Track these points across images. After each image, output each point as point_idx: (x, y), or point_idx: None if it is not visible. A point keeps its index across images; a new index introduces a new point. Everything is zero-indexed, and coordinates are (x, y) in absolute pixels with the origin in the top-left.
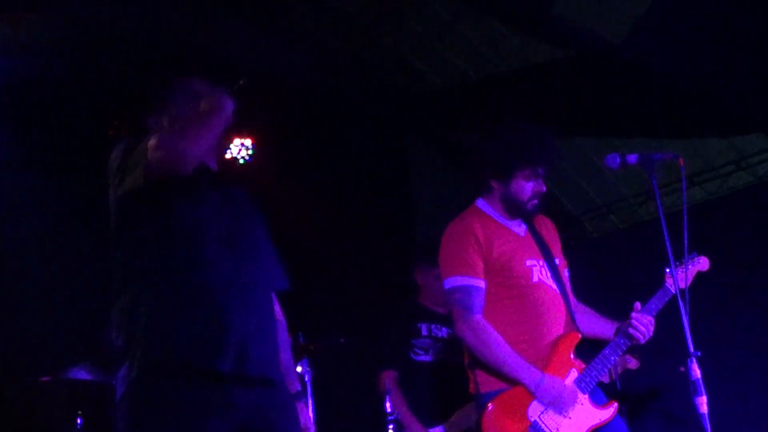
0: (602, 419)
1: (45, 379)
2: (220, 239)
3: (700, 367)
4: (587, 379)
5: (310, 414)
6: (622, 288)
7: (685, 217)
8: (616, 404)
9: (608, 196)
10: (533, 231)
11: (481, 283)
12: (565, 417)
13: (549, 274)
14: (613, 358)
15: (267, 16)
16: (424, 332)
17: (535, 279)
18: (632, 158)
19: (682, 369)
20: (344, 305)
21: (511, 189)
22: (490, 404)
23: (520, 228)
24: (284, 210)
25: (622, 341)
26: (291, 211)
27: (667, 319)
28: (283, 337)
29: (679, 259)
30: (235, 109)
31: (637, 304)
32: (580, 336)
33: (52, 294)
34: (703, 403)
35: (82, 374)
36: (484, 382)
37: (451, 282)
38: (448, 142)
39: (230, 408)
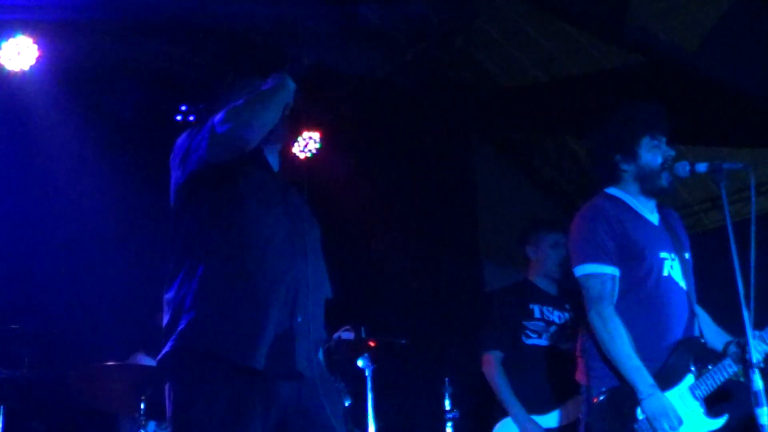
0: (711, 429)
1: (109, 363)
2: (278, 235)
3: (762, 378)
4: (703, 387)
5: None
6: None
7: (753, 227)
8: (728, 415)
9: (671, 202)
10: (666, 221)
11: (616, 272)
12: None
13: (679, 269)
14: (732, 371)
15: (338, 11)
16: (537, 314)
17: (666, 273)
18: (701, 167)
19: (743, 379)
20: (406, 301)
21: (642, 163)
22: (601, 396)
23: (653, 216)
24: (349, 204)
25: (734, 360)
26: (355, 206)
27: (731, 328)
28: None
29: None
30: (299, 95)
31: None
32: (702, 342)
33: (116, 282)
34: (763, 415)
35: (143, 359)
36: (599, 377)
37: (584, 269)
38: (513, 141)
39: (267, 398)
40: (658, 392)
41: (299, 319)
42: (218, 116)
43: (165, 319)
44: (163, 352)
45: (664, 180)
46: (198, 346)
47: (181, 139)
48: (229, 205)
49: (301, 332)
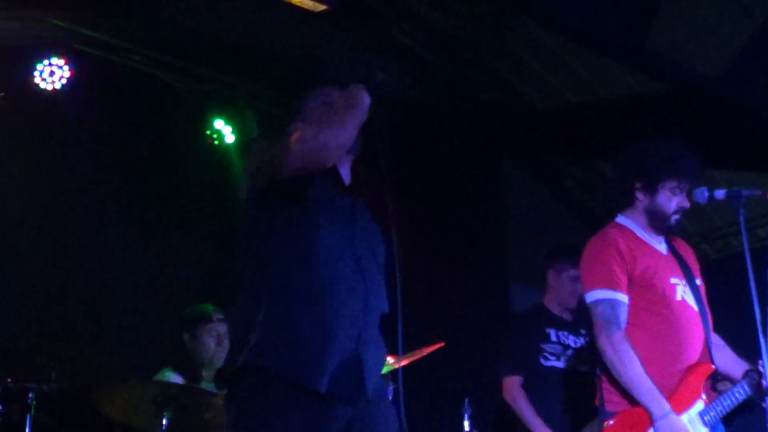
0: None
1: (134, 379)
2: (346, 256)
3: None
4: (712, 413)
5: None
6: (715, 320)
7: None
8: None
9: (702, 225)
10: (674, 250)
11: (625, 298)
12: None
13: (691, 295)
14: (741, 398)
15: (367, 31)
16: (554, 338)
17: (679, 297)
18: (720, 193)
19: (765, 405)
20: (429, 319)
21: (657, 201)
22: (610, 420)
23: (661, 246)
24: (377, 220)
25: (750, 387)
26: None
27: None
28: None
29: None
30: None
31: None
32: (713, 368)
33: (145, 297)
34: None
35: (168, 377)
36: (611, 400)
37: (594, 295)
38: (543, 162)
39: (326, 422)
40: (672, 414)
41: (364, 343)
42: (297, 133)
43: (231, 336)
44: (230, 370)
45: (671, 222)
46: (262, 366)
47: (258, 147)
48: (299, 223)
49: (366, 355)
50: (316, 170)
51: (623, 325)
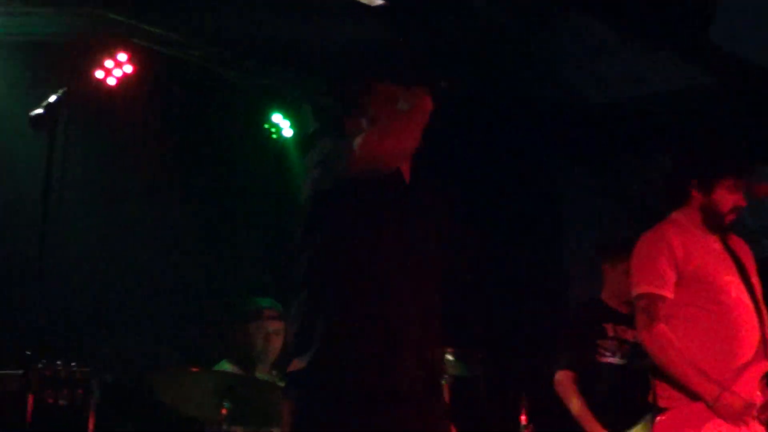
0: None
1: (194, 369)
2: (405, 254)
3: None
4: None
5: None
6: None
7: None
8: None
9: (762, 220)
10: (729, 247)
11: (668, 294)
12: None
13: (746, 293)
14: None
15: (421, 26)
16: (611, 333)
17: (734, 295)
18: None
19: None
20: (487, 315)
21: (713, 199)
22: (662, 416)
23: (716, 243)
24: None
25: None
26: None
27: None
28: None
29: None
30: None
31: None
32: None
33: (201, 291)
34: None
35: (226, 368)
36: (664, 396)
37: (639, 290)
38: (598, 157)
39: (385, 422)
40: (725, 392)
41: (424, 340)
42: (361, 136)
43: (294, 335)
44: (295, 368)
45: (726, 220)
46: (323, 367)
47: (321, 146)
48: (360, 223)
49: (426, 353)
50: (379, 173)
51: (662, 319)
